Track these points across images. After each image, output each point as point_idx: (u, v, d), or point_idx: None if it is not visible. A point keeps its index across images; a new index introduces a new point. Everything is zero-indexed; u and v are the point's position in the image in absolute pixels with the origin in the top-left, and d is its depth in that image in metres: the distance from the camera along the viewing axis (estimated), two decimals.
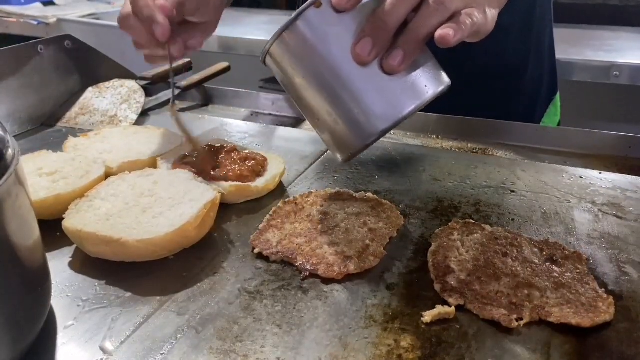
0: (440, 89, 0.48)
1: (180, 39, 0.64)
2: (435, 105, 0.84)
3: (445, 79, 0.49)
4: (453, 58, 0.90)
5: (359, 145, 0.48)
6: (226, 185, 0.62)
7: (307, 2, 0.46)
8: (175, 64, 0.61)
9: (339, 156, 0.51)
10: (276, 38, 0.48)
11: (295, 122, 0.91)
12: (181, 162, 0.66)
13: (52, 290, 0.46)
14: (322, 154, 0.76)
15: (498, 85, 0.90)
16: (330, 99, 0.47)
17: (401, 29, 0.46)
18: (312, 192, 0.62)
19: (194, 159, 0.66)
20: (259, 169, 0.66)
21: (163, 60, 0.66)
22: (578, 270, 0.49)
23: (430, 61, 0.49)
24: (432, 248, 0.52)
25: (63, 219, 0.54)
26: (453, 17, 0.46)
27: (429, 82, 0.48)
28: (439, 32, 0.45)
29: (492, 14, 0.52)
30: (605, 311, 0.44)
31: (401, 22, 0.46)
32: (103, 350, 0.42)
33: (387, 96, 0.47)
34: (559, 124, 1.01)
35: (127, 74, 0.99)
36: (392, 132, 0.84)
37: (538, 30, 0.91)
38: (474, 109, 0.83)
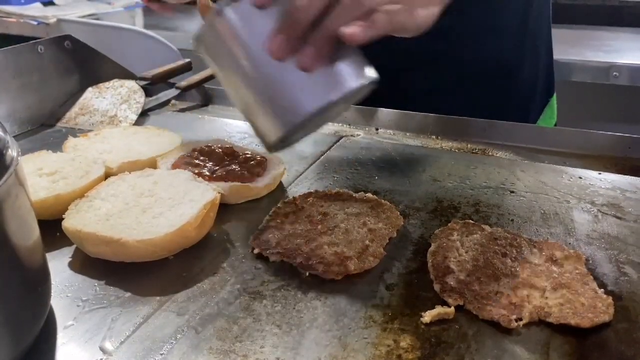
0: (357, 85, 0.48)
1: None
2: (425, 105, 0.84)
3: (369, 74, 0.49)
4: (443, 57, 0.90)
5: (274, 137, 0.49)
6: (226, 185, 0.62)
7: None
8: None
9: (264, 146, 0.52)
10: (200, 30, 0.50)
11: None
12: (181, 162, 0.66)
13: (52, 291, 0.46)
14: (322, 155, 0.76)
15: (490, 87, 0.89)
16: (250, 91, 0.49)
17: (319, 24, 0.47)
18: (311, 193, 0.62)
19: (195, 159, 0.66)
20: (258, 169, 0.66)
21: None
22: (577, 271, 0.49)
23: (353, 57, 0.49)
24: (431, 248, 0.52)
25: (63, 219, 0.54)
26: (370, 13, 0.47)
27: (346, 78, 0.48)
28: (345, 30, 0.46)
29: (426, 11, 0.52)
30: (605, 311, 0.44)
31: (314, 19, 0.46)
32: (103, 350, 0.42)
33: (301, 91, 0.47)
34: (555, 126, 1.00)
35: (126, 74, 0.99)
36: (391, 132, 0.85)
37: (534, 32, 0.90)
38: (465, 110, 0.83)
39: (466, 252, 0.51)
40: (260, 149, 0.73)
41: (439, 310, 0.44)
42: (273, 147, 0.52)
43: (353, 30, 0.46)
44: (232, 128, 0.88)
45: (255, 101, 0.50)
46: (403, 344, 0.42)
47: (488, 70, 0.88)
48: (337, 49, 0.48)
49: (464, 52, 0.87)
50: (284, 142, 0.52)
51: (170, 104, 0.98)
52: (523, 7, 0.88)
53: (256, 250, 0.53)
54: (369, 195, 0.62)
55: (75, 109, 0.92)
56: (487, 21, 0.86)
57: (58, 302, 0.47)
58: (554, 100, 0.99)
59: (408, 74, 0.90)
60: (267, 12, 0.48)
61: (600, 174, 0.68)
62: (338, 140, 0.81)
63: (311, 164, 0.73)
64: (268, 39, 0.47)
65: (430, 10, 0.53)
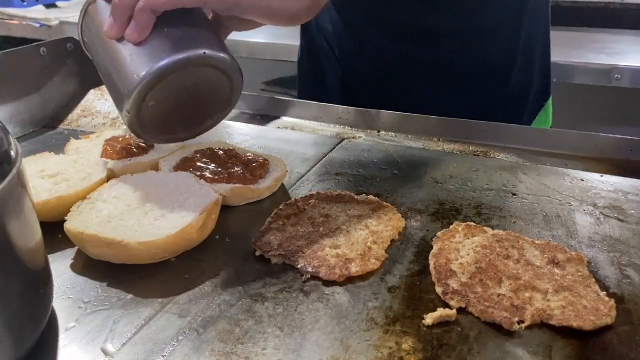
0: (181, 56, 0.53)
1: None
2: (415, 108, 0.84)
3: (202, 47, 0.54)
4: (433, 60, 0.90)
5: (121, 111, 0.55)
6: (227, 187, 0.62)
7: None
8: None
9: (120, 114, 0.57)
10: (80, 19, 0.60)
11: (297, 125, 0.91)
12: (183, 164, 0.66)
13: (54, 292, 0.46)
14: (324, 156, 0.76)
15: (481, 89, 0.89)
16: (105, 72, 0.57)
17: None
18: (313, 194, 0.62)
19: (196, 161, 0.66)
20: (260, 171, 0.66)
21: None
22: (579, 273, 0.49)
23: (190, 30, 0.55)
24: (433, 250, 0.52)
25: (65, 220, 0.54)
26: None
27: (172, 49, 0.53)
28: None
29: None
30: (607, 314, 0.44)
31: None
32: (104, 352, 0.42)
33: (133, 63, 0.53)
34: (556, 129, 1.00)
35: None
36: (393, 134, 0.85)
37: (528, 34, 0.89)
38: (456, 112, 0.83)
39: (468, 255, 0.51)
40: (262, 151, 0.73)
41: (440, 312, 0.44)
42: (130, 128, 0.57)
43: None
44: (234, 130, 0.88)
45: (108, 83, 0.57)
46: (405, 346, 0.42)
47: (477, 72, 0.88)
48: (171, 25, 0.54)
49: (455, 54, 0.87)
50: (145, 125, 0.57)
51: None
52: (516, 10, 0.87)
53: (258, 252, 0.53)
54: (371, 197, 0.62)
55: (77, 110, 0.92)
56: (478, 24, 0.86)
57: (60, 303, 0.47)
58: (549, 104, 0.98)
59: (399, 77, 0.90)
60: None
61: (602, 176, 0.68)
62: (340, 142, 0.81)
63: (313, 166, 0.73)
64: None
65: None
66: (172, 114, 0.59)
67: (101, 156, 0.68)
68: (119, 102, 0.55)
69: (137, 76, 0.52)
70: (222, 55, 0.55)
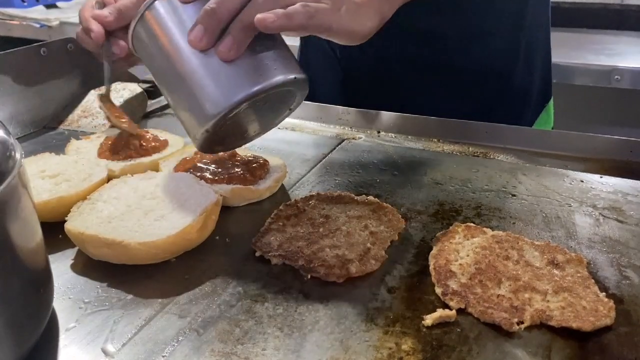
0: (278, 79, 0.49)
1: (121, 40, 0.68)
2: (415, 108, 0.84)
3: (293, 70, 0.50)
4: (434, 61, 0.90)
5: (198, 130, 0.51)
6: (228, 188, 0.62)
7: None
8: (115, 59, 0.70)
9: (191, 138, 0.53)
10: (135, 21, 0.53)
11: (297, 126, 0.91)
12: (183, 165, 0.66)
13: (54, 293, 0.46)
14: (324, 157, 0.76)
15: (482, 90, 0.89)
16: (177, 83, 0.50)
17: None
18: (313, 195, 0.63)
19: (197, 162, 0.67)
20: (260, 172, 0.66)
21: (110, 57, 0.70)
22: (579, 274, 0.49)
23: (277, 51, 0.50)
24: (433, 251, 0.52)
25: (65, 221, 0.54)
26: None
27: (267, 71, 0.49)
28: (258, 16, 0.47)
29: (360, 17, 0.53)
30: (606, 315, 0.44)
31: (235, 11, 0.48)
32: (105, 352, 0.42)
33: (222, 82, 0.49)
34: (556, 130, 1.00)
35: (129, 77, 0.99)
36: (393, 135, 0.85)
37: (529, 36, 0.89)
38: (457, 113, 0.83)
39: (468, 255, 0.51)
40: (262, 152, 0.74)
41: (440, 313, 0.44)
42: (201, 145, 0.53)
43: (264, 16, 0.47)
44: None
45: (180, 96, 0.51)
46: (404, 346, 0.42)
47: (480, 74, 0.88)
48: (261, 44, 0.49)
49: (456, 56, 0.87)
50: (212, 141, 0.53)
51: None
52: (518, 12, 0.87)
53: (258, 253, 0.53)
54: (371, 198, 0.62)
55: (77, 111, 0.92)
56: (480, 26, 0.86)
57: (60, 304, 0.47)
58: (550, 105, 0.98)
59: (400, 78, 0.90)
60: (192, 6, 0.50)
61: (601, 177, 0.68)
62: (340, 143, 0.81)
63: (313, 167, 0.73)
64: (189, 31, 0.49)
65: (365, 17, 0.54)
66: (238, 126, 0.56)
67: (98, 156, 0.69)
68: (194, 119, 0.50)
69: (229, 97, 0.48)
70: (304, 76, 0.52)
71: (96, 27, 0.67)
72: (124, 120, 0.73)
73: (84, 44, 0.71)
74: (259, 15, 0.47)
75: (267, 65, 0.49)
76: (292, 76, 0.50)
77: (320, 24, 0.50)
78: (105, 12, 0.67)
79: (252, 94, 0.48)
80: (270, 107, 0.56)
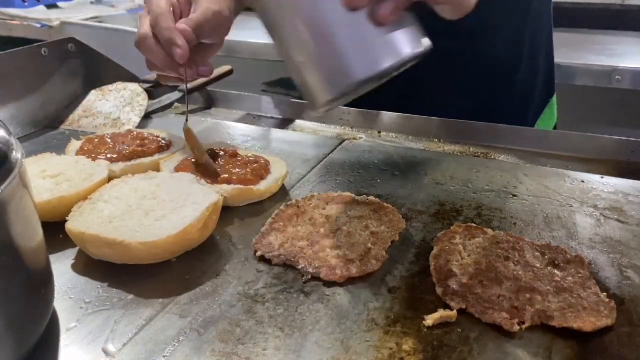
0: (419, 50, 0.49)
1: (194, 63, 0.64)
2: (421, 106, 0.84)
3: (426, 42, 0.50)
4: (440, 56, 0.90)
5: (334, 92, 0.48)
6: (228, 188, 0.62)
7: None
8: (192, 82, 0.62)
9: (314, 103, 0.50)
10: None
11: (297, 126, 0.91)
12: (184, 165, 0.66)
13: (55, 292, 0.46)
14: (324, 157, 0.76)
15: (487, 85, 0.89)
16: (315, 41, 0.47)
17: None
18: (314, 195, 0.63)
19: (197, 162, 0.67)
20: (261, 172, 0.66)
21: (174, 80, 0.65)
22: (580, 274, 0.49)
23: (414, 24, 0.50)
24: (433, 251, 0.52)
25: (66, 221, 0.54)
26: None
27: (410, 42, 0.48)
28: None
29: None
30: (607, 315, 0.44)
31: None
32: (105, 352, 0.42)
33: (369, 48, 0.47)
34: (555, 127, 1.00)
35: (130, 77, 0.99)
36: (393, 135, 0.85)
37: (533, 32, 0.90)
38: (463, 109, 0.83)
39: (468, 256, 0.51)
40: (263, 152, 0.74)
41: (441, 313, 0.44)
42: (320, 107, 0.50)
43: None
44: (235, 131, 0.88)
45: (313, 53, 0.47)
46: (405, 346, 0.42)
47: (483, 69, 0.88)
48: (404, 13, 0.48)
49: (460, 52, 0.87)
50: (332, 104, 0.50)
51: (173, 107, 0.99)
52: (521, 9, 0.88)
53: (258, 253, 0.53)
54: (371, 198, 0.62)
55: (78, 111, 0.92)
56: (483, 22, 0.86)
57: (61, 303, 0.47)
58: (554, 100, 0.99)
59: (403, 77, 0.90)
60: None
61: (602, 177, 0.68)
62: (340, 143, 0.81)
63: (313, 167, 0.73)
64: None
65: None
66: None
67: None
68: (326, 80, 0.48)
69: (378, 63, 0.46)
70: (430, 43, 0.51)
71: (183, 43, 0.60)
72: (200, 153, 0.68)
73: (152, 57, 0.62)
74: None
75: (414, 33, 0.49)
76: (427, 47, 0.50)
77: None
78: (188, 28, 0.60)
79: (395, 65, 0.47)
80: None
